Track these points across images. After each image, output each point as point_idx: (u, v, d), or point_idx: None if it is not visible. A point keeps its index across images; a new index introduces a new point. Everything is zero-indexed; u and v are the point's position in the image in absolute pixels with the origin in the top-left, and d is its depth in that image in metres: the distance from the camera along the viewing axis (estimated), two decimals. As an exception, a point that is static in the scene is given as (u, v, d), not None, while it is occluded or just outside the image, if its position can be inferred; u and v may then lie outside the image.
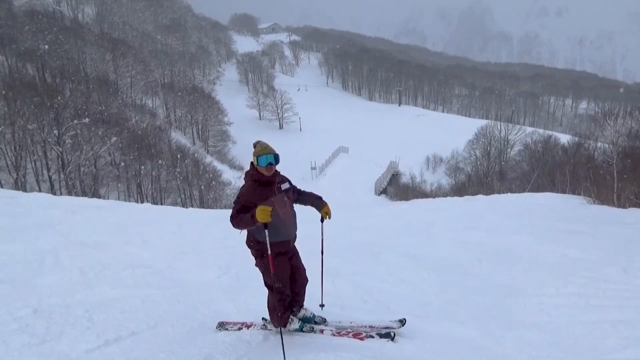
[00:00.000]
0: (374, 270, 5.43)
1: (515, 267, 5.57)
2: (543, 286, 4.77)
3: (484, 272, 5.48)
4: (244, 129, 58.00)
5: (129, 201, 26.49)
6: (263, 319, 3.34)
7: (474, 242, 6.84)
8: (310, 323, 3.64)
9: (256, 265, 3.36)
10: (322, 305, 3.76)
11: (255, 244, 3.25)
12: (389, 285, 4.92)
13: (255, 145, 3.19)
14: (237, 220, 3.00)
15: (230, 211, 3.10)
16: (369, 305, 4.32)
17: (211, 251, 6.26)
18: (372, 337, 3.43)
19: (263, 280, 3.40)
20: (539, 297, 4.48)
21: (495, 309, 4.29)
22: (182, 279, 5.04)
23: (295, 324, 3.54)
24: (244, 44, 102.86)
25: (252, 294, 4.47)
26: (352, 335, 3.48)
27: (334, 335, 3.51)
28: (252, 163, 3.16)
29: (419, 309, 4.24)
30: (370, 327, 3.59)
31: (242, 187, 3.19)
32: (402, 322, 3.58)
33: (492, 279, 5.20)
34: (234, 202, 3.09)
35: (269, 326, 3.56)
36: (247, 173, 3.18)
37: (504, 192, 20.89)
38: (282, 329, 3.47)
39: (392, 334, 3.44)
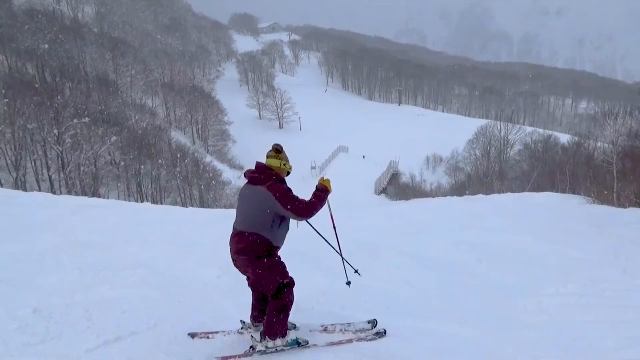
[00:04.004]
0: (373, 269, 5.42)
1: (515, 266, 5.58)
2: (543, 286, 4.77)
3: (484, 271, 5.49)
4: (244, 128, 57.95)
5: (129, 201, 26.48)
6: (252, 339, 3.20)
7: (474, 242, 6.84)
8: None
9: (255, 271, 3.09)
10: (348, 283, 3.79)
11: (261, 244, 3.03)
12: (388, 285, 4.92)
13: (281, 150, 3.20)
14: (312, 206, 3.05)
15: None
16: (368, 304, 4.32)
17: (211, 250, 6.26)
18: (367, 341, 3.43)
19: (266, 289, 3.14)
20: (539, 297, 4.48)
21: (495, 309, 4.29)
22: (182, 278, 5.04)
23: (292, 334, 3.36)
24: (244, 44, 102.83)
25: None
26: (346, 342, 3.43)
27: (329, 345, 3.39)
28: (276, 171, 3.12)
29: (418, 308, 4.24)
30: (357, 331, 3.52)
31: (281, 185, 3.08)
32: (373, 323, 3.56)
33: (492, 279, 5.20)
34: (291, 198, 3.00)
35: (259, 346, 3.16)
36: (274, 176, 3.09)
37: (503, 192, 20.91)
38: (280, 341, 3.18)
39: (384, 331, 3.47)
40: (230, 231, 3.22)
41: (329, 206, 3.65)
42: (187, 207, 23.42)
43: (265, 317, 3.18)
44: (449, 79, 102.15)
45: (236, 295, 4.53)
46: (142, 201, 27.10)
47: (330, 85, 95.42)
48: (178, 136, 43.98)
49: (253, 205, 3.04)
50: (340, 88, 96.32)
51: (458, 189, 34.26)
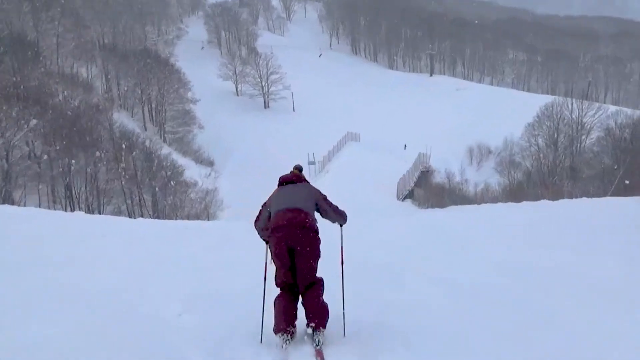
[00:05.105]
0: (395, 305, 5.48)
1: (586, 299, 5.62)
2: (603, 319, 4.82)
3: (546, 307, 5.53)
4: (215, 108, 58.01)
5: (55, 208, 26.52)
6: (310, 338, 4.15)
7: (531, 266, 6.88)
8: None
9: (313, 245, 4.32)
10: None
11: (315, 222, 4.42)
12: (415, 322, 4.97)
13: (302, 170, 5.00)
14: (340, 209, 4.92)
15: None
16: (389, 346, 4.37)
17: (170, 278, 6.31)
18: None
19: (313, 268, 4.35)
20: (610, 341, 4.53)
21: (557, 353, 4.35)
22: (129, 315, 5.08)
23: None
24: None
25: (228, 337, 4.52)
26: None
27: None
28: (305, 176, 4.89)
29: (456, 351, 4.29)
30: None
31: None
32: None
33: (554, 317, 5.25)
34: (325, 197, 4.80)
35: (320, 337, 4.19)
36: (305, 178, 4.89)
37: (577, 197, 20.96)
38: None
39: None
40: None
41: (341, 235, 4.99)
42: (135, 217, 23.49)
43: (314, 311, 4.28)
44: (500, 40, 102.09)
45: (204, 339, 4.55)
46: (72, 209, 27.14)
47: (335, 48, 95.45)
48: (123, 119, 44.10)
49: (303, 195, 4.59)
50: (348, 52, 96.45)
51: (513, 193, 34.32)
